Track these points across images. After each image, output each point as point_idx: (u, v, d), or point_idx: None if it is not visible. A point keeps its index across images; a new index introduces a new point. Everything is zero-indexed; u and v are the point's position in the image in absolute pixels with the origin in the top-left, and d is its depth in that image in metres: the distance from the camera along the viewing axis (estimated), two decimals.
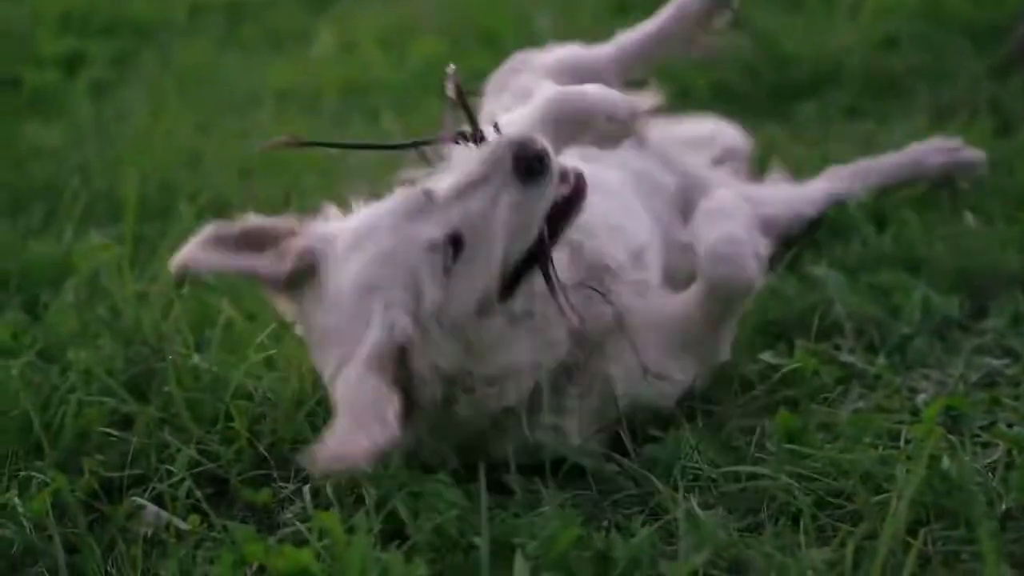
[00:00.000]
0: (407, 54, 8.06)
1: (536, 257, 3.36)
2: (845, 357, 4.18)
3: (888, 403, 3.91)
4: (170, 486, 3.59)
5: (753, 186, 4.93)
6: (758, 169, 5.40)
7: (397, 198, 3.43)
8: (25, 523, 3.45)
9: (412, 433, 3.30)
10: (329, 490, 3.49)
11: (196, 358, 4.02)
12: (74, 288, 4.54)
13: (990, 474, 3.35)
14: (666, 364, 3.73)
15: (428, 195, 3.36)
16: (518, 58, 4.87)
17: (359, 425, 3.01)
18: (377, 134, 6.67)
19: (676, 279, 4.03)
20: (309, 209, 5.30)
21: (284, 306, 3.51)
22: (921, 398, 3.95)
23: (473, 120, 3.60)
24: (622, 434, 3.63)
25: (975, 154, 5.35)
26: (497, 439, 3.52)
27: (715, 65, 7.17)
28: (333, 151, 5.99)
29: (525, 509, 3.38)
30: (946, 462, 3.29)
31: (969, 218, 5.14)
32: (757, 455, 3.64)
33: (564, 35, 8.30)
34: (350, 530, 3.13)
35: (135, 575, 3.29)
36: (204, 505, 3.52)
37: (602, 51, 5.00)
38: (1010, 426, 3.59)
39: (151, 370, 4.01)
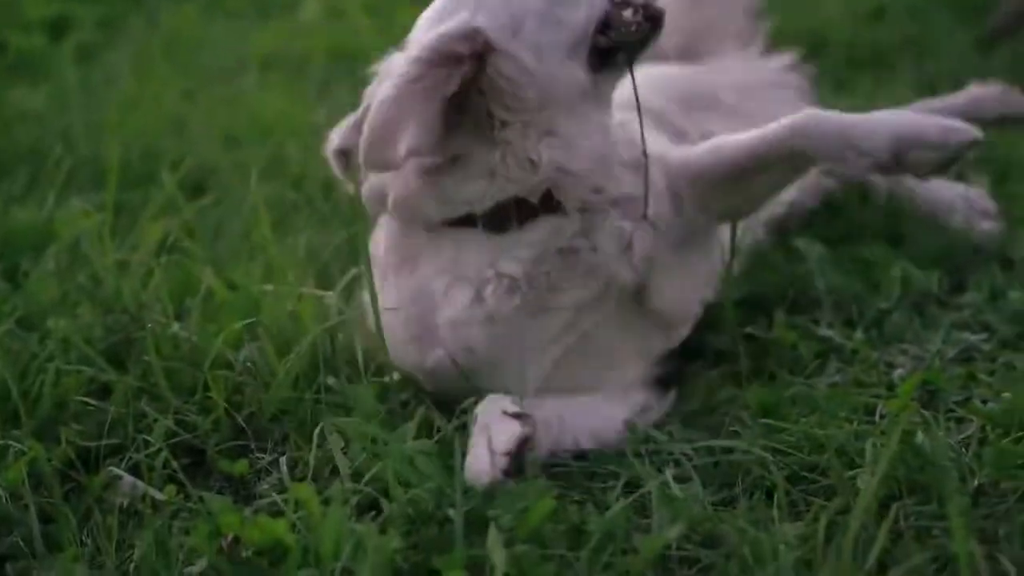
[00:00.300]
0: (393, 21, 8.03)
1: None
2: (823, 331, 4.19)
3: (865, 378, 3.93)
4: (147, 456, 3.58)
5: None
6: None
7: None
8: (0, 492, 3.45)
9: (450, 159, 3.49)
10: (309, 460, 3.51)
11: (176, 327, 4.01)
12: (55, 256, 4.53)
13: (964, 450, 3.37)
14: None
15: None
16: None
17: (401, 118, 3.27)
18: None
19: None
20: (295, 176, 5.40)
21: None
22: (898, 373, 3.96)
23: None
24: None
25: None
26: None
27: None
28: (317, 118, 5.98)
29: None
30: (920, 437, 3.30)
31: None
32: (733, 429, 3.65)
33: None
34: (326, 502, 3.14)
35: (110, 545, 3.28)
36: (181, 475, 3.52)
37: None
38: (985, 402, 3.60)
39: (130, 339, 3.99)
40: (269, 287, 4.15)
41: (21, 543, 3.34)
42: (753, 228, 4.50)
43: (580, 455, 3.60)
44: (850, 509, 3.02)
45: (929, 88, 6.64)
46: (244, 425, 3.73)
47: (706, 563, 3.08)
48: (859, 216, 4.98)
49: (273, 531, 3.10)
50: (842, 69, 7.00)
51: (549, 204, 3.54)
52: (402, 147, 3.28)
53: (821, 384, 3.89)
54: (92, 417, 3.76)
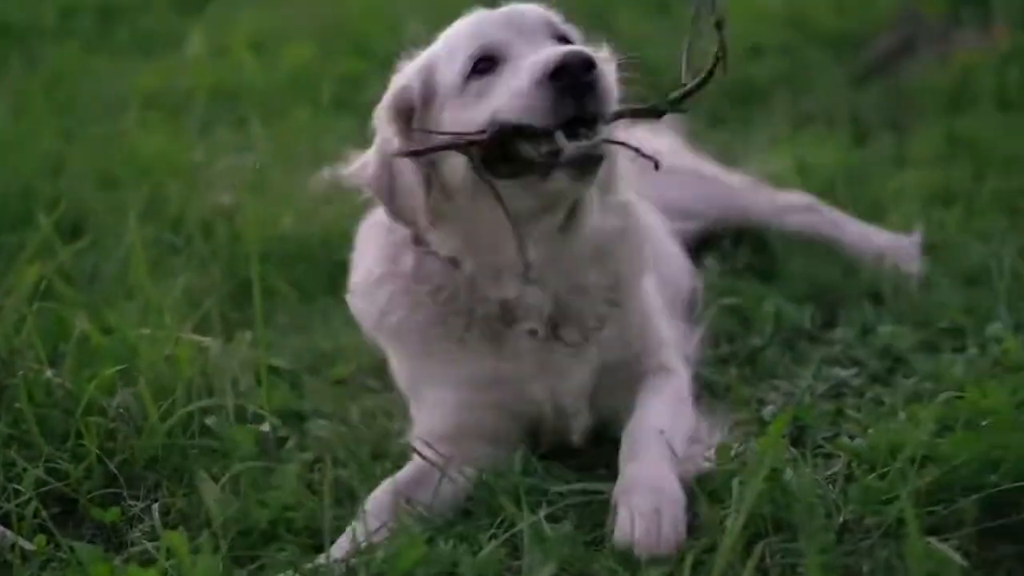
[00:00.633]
0: (278, 59, 8.04)
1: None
2: (698, 368, 4.24)
3: (737, 415, 3.97)
4: (16, 506, 3.55)
5: None
6: None
7: None
8: None
9: None
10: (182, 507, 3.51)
11: (48, 373, 3.97)
12: None
13: (831, 486, 3.41)
14: None
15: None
16: None
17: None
18: (244, 140, 6.66)
19: None
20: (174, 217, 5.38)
21: None
22: (768, 410, 4.02)
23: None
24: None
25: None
26: None
27: None
28: (197, 157, 5.97)
29: None
30: (788, 475, 3.35)
31: None
32: (605, 467, 3.68)
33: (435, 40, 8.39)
34: (196, 550, 3.14)
35: None
36: (51, 525, 3.48)
37: None
38: (852, 438, 3.64)
39: (1, 386, 3.96)
40: (146, 331, 4.13)
41: None
42: None
43: None
44: (716, 547, 3.06)
45: (803, 122, 6.78)
46: (117, 472, 3.71)
47: None
48: (732, 253, 5.05)
49: None
50: (720, 104, 7.09)
51: None
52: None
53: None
54: None
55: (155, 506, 3.49)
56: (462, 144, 3.44)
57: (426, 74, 3.62)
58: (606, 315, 3.72)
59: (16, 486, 3.61)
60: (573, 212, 3.60)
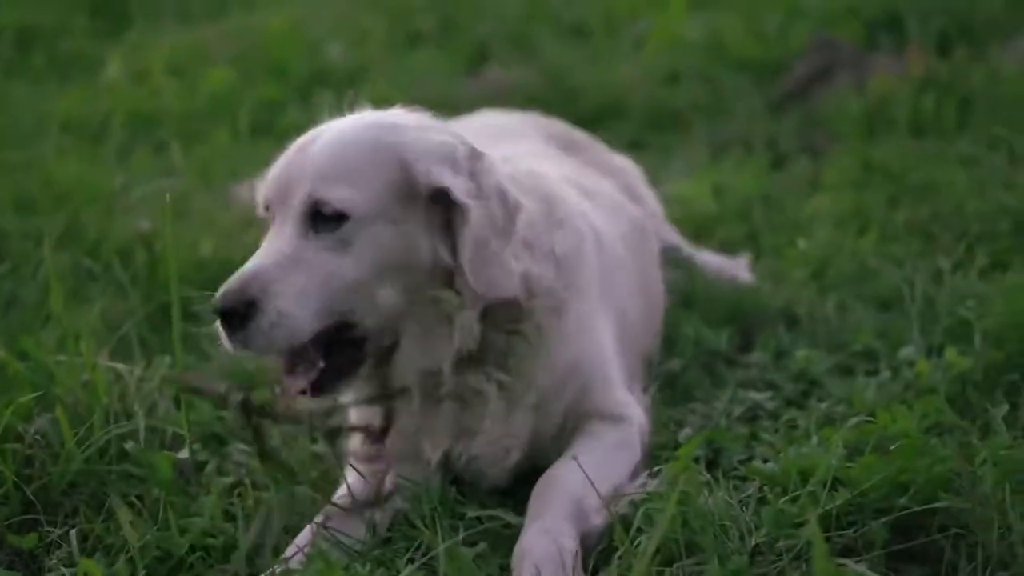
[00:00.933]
0: (198, 84, 8.04)
1: None
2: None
3: (656, 438, 4.01)
4: None
5: None
6: None
7: None
8: None
9: None
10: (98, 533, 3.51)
11: None
12: None
13: (744, 509, 3.45)
14: None
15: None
16: None
17: None
18: (163, 165, 6.66)
19: None
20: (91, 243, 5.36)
21: None
22: (685, 432, 4.07)
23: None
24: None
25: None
26: None
27: (503, 97, 7.29)
28: (116, 183, 5.96)
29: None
30: (703, 498, 3.39)
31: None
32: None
33: (354, 66, 8.43)
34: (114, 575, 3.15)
35: None
36: None
37: None
38: (765, 461, 3.69)
39: None
40: (63, 357, 4.12)
41: None
42: None
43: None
44: (630, 572, 3.09)
45: (722, 148, 6.85)
46: (34, 498, 3.70)
47: None
48: None
49: None
50: (640, 130, 7.16)
51: None
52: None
53: None
54: None
55: (73, 532, 3.49)
56: None
57: None
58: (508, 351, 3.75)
59: None
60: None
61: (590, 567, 3.36)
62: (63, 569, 3.38)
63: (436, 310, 3.60)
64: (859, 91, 7.14)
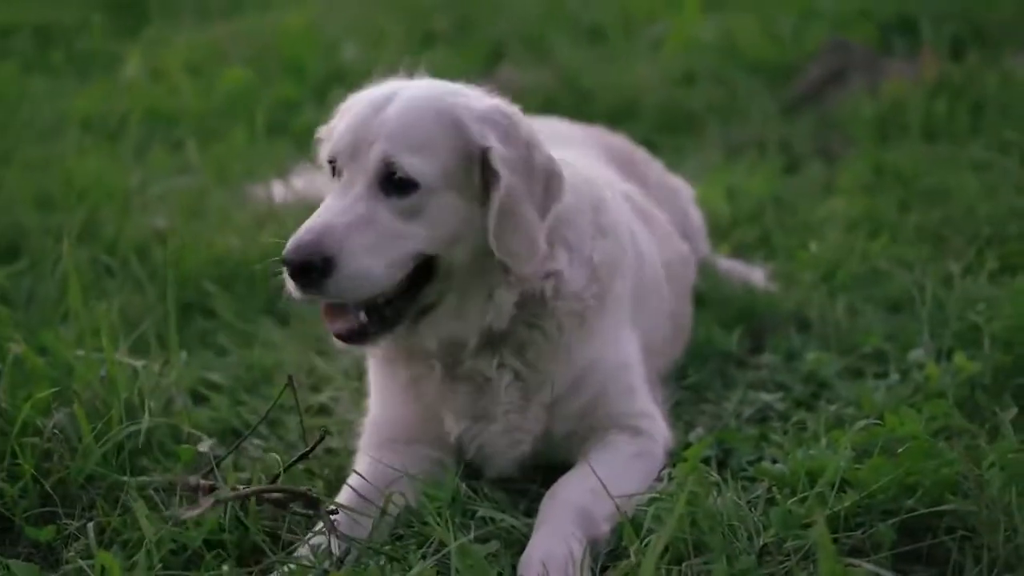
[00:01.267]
0: (215, 82, 8.08)
1: None
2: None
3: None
4: None
5: None
6: None
7: None
8: None
9: None
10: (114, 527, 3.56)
11: None
12: None
13: (752, 510, 3.49)
14: None
15: None
16: None
17: None
18: (180, 163, 6.70)
19: None
20: (109, 240, 5.40)
21: None
22: (696, 433, 4.10)
23: None
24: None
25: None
26: None
27: (517, 97, 7.31)
28: (133, 181, 6.00)
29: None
30: (712, 498, 3.43)
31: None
32: (541, 491, 3.75)
33: (370, 66, 8.45)
34: (130, 569, 3.18)
35: None
36: None
37: None
38: (774, 462, 3.72)
39: None
40: (81, 352, 4.16)
41: None
42: None
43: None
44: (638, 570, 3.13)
45: (736, 150, 6.88)
46: (52, 492, 3.75)
47: None
48: None
49: None
50: (653, 131, 7.18)
51: None
52: None
53: None
54: None
55: (90, 525, 3.52)
56: None
57: None
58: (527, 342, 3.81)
59: None
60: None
61: (599, 566, 3.40)
62: (80, 561, 3.41)
63: (480, 281, 3.69)
64: (872, 94, 7.17)
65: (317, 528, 3.49)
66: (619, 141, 5.20)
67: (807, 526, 3.33)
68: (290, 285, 3.50)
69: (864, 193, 6.04)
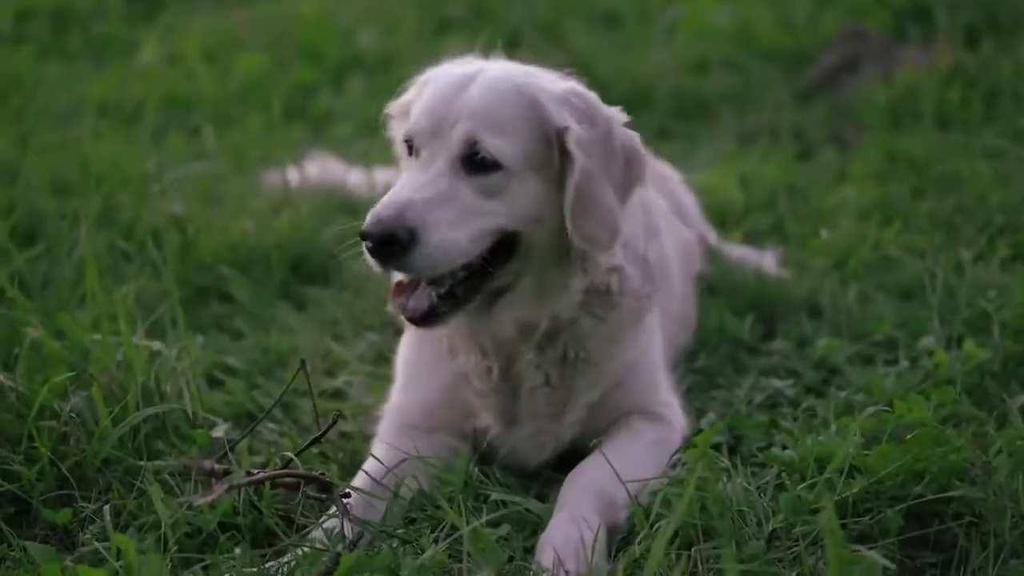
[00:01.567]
0: (231, 68, 8.11)
1: None
2: None
3: None
4: None
5: None
6: None
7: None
8: None
9: None
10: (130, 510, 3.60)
11: (2, 377, 4.02)
12: None
13: (762, 495, 3.52)
14: None
15: None
16: None
17: None
18: (197, 149, 6.73)
19: None
20: (126, 225, 5.44)
21: None
22: (707, 419, 4.13)
23: None
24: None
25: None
26: None
27: None
28: (150, 166, 6.03)
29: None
30: (723, 483, 3.46)
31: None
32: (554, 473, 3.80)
33: (386, 52, 8.49)
34: (145, 551, 3.22)
35: None
36: (4, 525, 3.57)
37: None
38: (784, 448, 3.75)
39: None
40: (98, 337, 4.20)
41: None
42: None
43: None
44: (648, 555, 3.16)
45: (749, 137, 6.89)
46: (68, 475, 3.78)
47: None
48: None
49: None
50: (667, 118, 7.20)
51: None
52: None
53: None
54: None
55: (106, 508, 3.56)
56: None
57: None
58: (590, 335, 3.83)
59: None
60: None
61: (613, 550, 3.44)
62: (96, 544, 3.45)
63: (557, 266, 3.72)
64: (886, 82, 7.17)
65: (330, 511, 3.53)
66: None
67: (816, 511, 3.36)
68: (369, 260, 3.52)
69: (877, 181, 6.05)
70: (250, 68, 8.00)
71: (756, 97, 7.51)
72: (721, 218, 5.72)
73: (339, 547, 3.33)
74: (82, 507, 3.70)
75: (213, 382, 4.51)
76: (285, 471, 3.61)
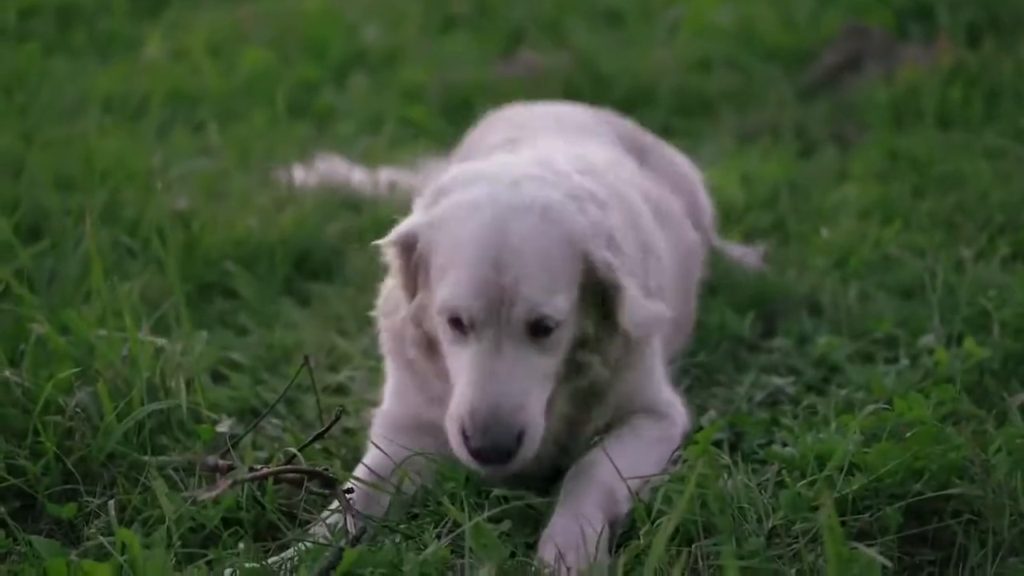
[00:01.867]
0: (236, 63, 8.12)
1: None
2: None
3: None
4: None
5: None
6: None
7: None
8: None
9: None
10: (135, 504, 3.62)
11: (7, 373, 4.06)
12: None
13: (762, 492, 3.54)
14: None
15: None
16: None
17: None
18: (201, 144, 6.75)
19: None
20: (131, 221, 5.46)
21: None
22: (707, 417, 4.15)
23: None
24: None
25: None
26: None
27: (535, 81, 7.37)
28: (154, 162, 6.05)
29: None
30: (723, 480, 3.48)
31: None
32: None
33: (390, 48, 8.51)
34: (149, 546, 3.25)
35: None
36: (9, 520, 3.60)
37: None
38: (785, 445, 3.78)
39: None
40: (103, 332, 4.22)
41: None
42: None
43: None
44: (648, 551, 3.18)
45: (750, 135, 6.91)
46: (74, 469, 3.82)
47: None
48: None
49: (99, 575, 3.20)
50: (669, 116, 7.22)
51: None
52: None
53: None
54: None
55: (111, 503, 3.59)
56: None
57: (429, 243, 3.64)
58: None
59: None
60: None
61: (614, 546, 3.46)
62: (101, 538, 3.47)
63: (578, 374, 3.71)
64: (888, 80, 7.17)
65: (333, 506, 3.55)
66: (629, 126, 5.20)
67: (815, 509, 3.37)
68: (471, 463, 3.51)
69: (878, 179, 6.07)
70: (255, 63, 8.00)
71: (758, 95, 7.52)
72: (723, 216, 5.72)
73: (342, 542, 3.35)
74: (87, 502, 3.73)
75: (217, 378, 4.53)
76: (288, 467, 3.64)
